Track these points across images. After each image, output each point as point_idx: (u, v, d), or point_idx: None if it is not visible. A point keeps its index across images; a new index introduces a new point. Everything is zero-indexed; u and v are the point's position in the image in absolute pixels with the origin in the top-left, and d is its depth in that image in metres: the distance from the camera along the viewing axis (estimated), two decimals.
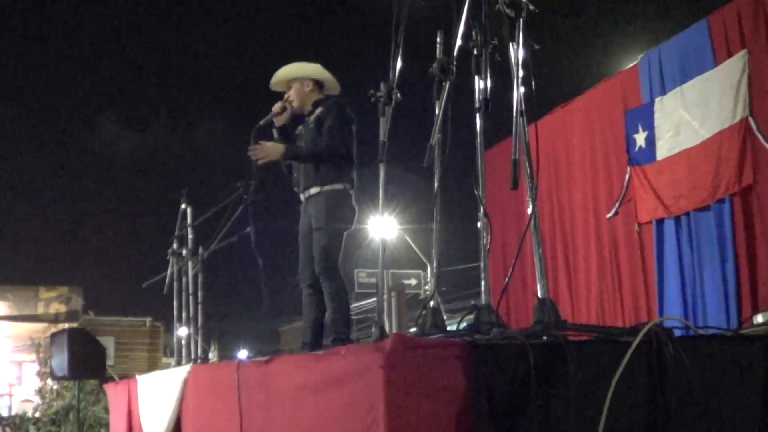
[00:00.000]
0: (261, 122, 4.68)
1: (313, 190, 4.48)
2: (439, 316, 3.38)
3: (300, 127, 4.76)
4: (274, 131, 4.71)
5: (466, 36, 3.24)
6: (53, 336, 8.44)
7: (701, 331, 3.18)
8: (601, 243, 8.22)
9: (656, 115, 7.42)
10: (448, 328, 3.51)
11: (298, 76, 4.70)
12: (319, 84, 4.74)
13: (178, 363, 7.07)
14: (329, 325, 4.38)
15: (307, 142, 4.55)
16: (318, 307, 4.51)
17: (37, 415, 10.78)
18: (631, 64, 8.03)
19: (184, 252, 6.81)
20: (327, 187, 4.44)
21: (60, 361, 7.86)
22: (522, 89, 3.08)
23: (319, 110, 4.60)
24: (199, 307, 6.64)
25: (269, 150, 4.52)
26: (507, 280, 7.99)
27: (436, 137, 3.47)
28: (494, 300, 3.12)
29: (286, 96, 4.73)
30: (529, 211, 3.15)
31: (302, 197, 4.60)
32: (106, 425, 8.41)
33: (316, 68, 4.75)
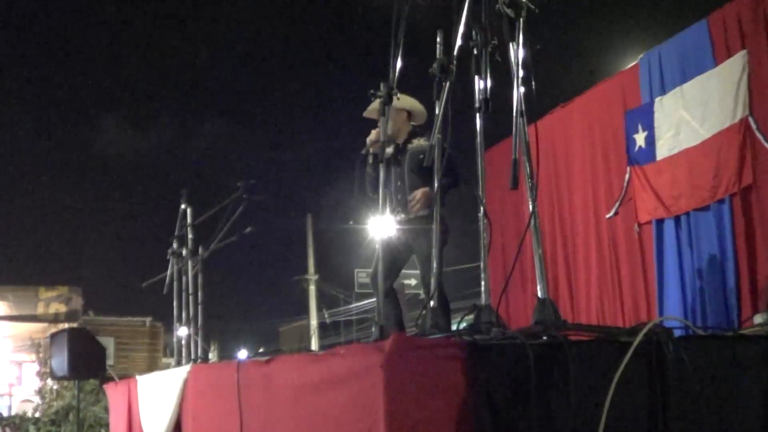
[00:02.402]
0: (363, 151, 5.11)
1: (422, 212, 4.96)
2: (440, 316, 3.38)
3: (390, 150, 5.09)
4: (369, 157, 5.08)
5: (466, 36, 3.24)
6: (53, 336, 8.45)
7: (701, 331, 3.18)
8: (601, 243, 8.21)
9: (656, 115, 7.41)
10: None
11: (394, 107, 4.92)
12: (410, 114, 5.26)
13: (178, 363, 7.06)
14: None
15: (417, 173, 5.02)
16: (396, 308, 5.17)
17: (37, 415, 10.78)
18: (631, 64, 8.01)
19: (184, 252, 6.81)
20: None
21: (60, 361, 7.87)
22: (522, 89, 3.08)
23: (422, 146, 5.00)
24: (199, 307, 6.64)
25: (426, 197, 4.92)
26: (507, 280, 8.00)
27: (436, 137, 3.48)
28: (494, 300, 3.12)
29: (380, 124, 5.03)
30: (530, 211, 3.15)
31: (400, 217, 5.06)
32: (106, 425, 8.42)
33: (411, 101, 5.21)
